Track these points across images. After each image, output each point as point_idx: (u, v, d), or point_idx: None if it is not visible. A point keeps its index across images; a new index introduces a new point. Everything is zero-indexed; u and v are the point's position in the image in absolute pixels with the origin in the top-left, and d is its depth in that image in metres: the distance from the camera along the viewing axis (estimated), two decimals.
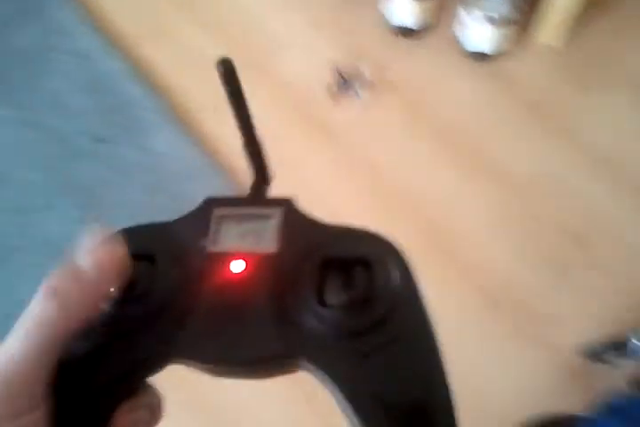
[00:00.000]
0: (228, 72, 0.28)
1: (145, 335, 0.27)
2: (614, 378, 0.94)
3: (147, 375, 0.28)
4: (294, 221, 0.29)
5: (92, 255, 0.25)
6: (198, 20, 1.36)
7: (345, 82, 1.23)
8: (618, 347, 0.90)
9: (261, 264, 0.28)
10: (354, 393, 0.24)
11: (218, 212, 0.30)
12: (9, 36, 1.32)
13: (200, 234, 0.29)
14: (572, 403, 0.93)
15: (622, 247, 1.07)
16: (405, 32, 1.26)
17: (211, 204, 0.30)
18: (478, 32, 1.17)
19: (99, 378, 0.26)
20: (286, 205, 0.30)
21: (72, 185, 1.15)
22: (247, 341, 0.26)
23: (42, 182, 1.15)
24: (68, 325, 0.24)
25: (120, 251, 0.26)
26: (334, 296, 0.26)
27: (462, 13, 1.18)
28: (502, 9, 1.12)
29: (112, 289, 0.26)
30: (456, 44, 1.25)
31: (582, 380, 0.97)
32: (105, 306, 0.27)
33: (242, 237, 0.29)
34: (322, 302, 0.26)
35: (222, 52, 1.28)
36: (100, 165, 1.17)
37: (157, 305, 0.27)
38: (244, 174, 0.33)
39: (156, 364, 0.27)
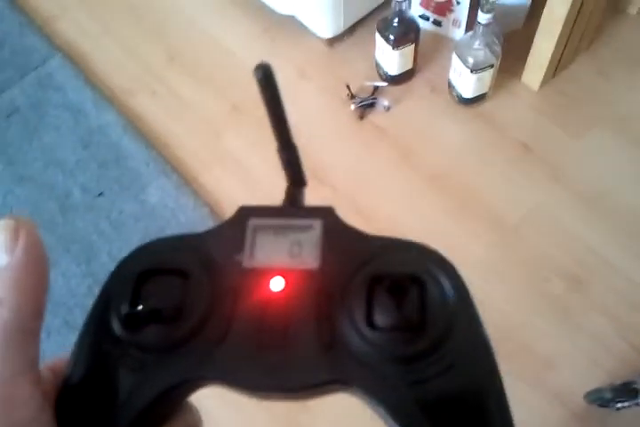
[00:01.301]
0: (266, 77, 0.25)
1: (178, 357, 0.25)
2: (623, 425, 0.94)
3: (180, 399, 0.27)
4: (335, 232, 0.27)
5: (10, 252, 0.24)
6: (188, 72, 1.38)
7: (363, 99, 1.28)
8: (628, 392, 0.90)
9: (303, 281, 0.26)
10: (408, 421, 0.23)
11: (253, 222, 0.27)
12: (4, 93, 1.34)
13: (234, 247, 0.27)
14: None
15: (619, 287, 1.08)
16: (390, 79, 1.29)
17: (245, 213, 0.28)
18: (460, 77, 1.20)
19: (129, 406, 0.24)
20: (326, 214, 0.27)
21: (71, 240, 1.16)
22: (291, 366, 0.24)
23: (43, 239, 1.15)
24: (26, 325, 0.23)
25: (30, 232, 0.24)
26: (383, 317, 0.24)
27: (442, 60, 1.21)
28: (479, 54, 1.16)
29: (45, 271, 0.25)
30: (439, 89, 1.29)
31: (590, 425, 0.98)
32: (46, 289, 0.25)
33: (280, 251, 0.27)
34: (371, 324, 0.24)
35: (216, 103, 1.30)
36: (98, 218, 1.18)
37: (192, 324, 0.25)
38: None
39: (191, 387, 0.26)
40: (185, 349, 0.25)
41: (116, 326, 0.25)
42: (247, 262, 0.26)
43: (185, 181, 1.22)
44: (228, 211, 1.28)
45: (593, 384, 0.98)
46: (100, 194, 1.21)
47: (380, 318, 0.24)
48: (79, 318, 1.06)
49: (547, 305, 1.08)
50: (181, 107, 1.34)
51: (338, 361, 0.24)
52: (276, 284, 0.26)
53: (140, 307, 0.25)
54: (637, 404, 0.89)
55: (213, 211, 1.19)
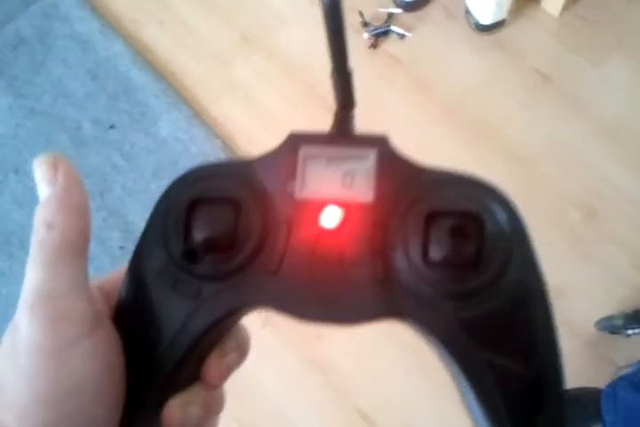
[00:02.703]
0: (333, 3, 0.23)
1: (234, 285, 0.25)
2: (633, 350, 0.96)
3: (234, 323, 0.28)
4: (390, 163, 0.26)
5: (52, 182, 0.26)
6: (197, 1, 1.34)
7: (377, 27, 1.24)
8: (638, 319, 0.91)
9: (357, 214, 0.25)
10: (462, 357, 0.23)
11: (304, 151, 0.26)
12: (9, 24, 1.31)
13: (286, 176, 0.26)
14: (591, 375, 0.95)
15: (634, 218, 1.07)
16: (404, 5, 1.24)
17: (296, 141, 0.27)
18: (478, 2, 1.16)
19: (187, 331, 0.25)
20: (380, 144, 0.26)
21: (84, 173, 1.15)
22: (346, 298, 0.24)
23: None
24: (76, 245, 0.25)
25: (67, 165, 0.26)
26: (439, 253, 0.24)
27: None
28: None
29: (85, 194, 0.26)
30: (456, 15, 1.24)
31: (601, 352, 0.99)
32: (88, 212, 0.26)
33: (333, 182, 0.26)
34: (426, 260, 0.24)
35: (225, 32, 1.26)
36: (110, 151, 1.17)
37: (246, 253, 0.25)
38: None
39: (244, 312, 0.26)
40: (240, 277, 0.25)
41: (171, 256, 0.26)
42: (299, 193, 0.26)
43: (195, 113, 1.20)
44: (241, 142, 1.28)
45: (604, 313, 0.99)
46: (112, 126, 1.20)
47: (436, 254, 0.24)
48: (94, 249, 1.08)
49: (561, 235, 1.08)
50: (189, 36, 1.30)
51: (392, 294, 0.24)
52: (330, 216, 0.25)
53: (195, 240, 0.26)
54: None
55: (225, 142, 1.18)
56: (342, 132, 0.27)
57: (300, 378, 1.04)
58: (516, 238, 0.24)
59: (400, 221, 0.25)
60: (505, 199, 0.25)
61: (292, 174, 0.26)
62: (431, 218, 0.24)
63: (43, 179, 0.26)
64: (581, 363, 1.00)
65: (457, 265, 0.24)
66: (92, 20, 1.30)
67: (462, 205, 0.25)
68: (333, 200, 0.26)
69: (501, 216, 0.25)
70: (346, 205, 0.25)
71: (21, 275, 0.24)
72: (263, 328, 1.05)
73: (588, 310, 1.02)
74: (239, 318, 0.27)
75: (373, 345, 1.04)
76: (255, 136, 1.18)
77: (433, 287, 0.24)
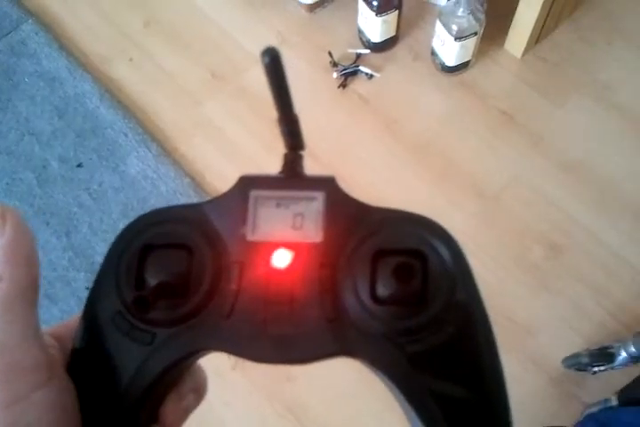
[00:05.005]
0: (273, 62, 0.24)
1: (187, 330, 0.26)
2: (599, 387, 0.97)
3: (189, 366, 0.28)
4: (338, 204, 0.27)
5: (0, 233, 0.25)
6: (166, 39, 1.35)
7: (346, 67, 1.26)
8: (604, 356, 0.92)
9: (306, 255, 0.26)
10: (412, 392, 0.24)
11: (254, 194, 0.27)
12: None
13: (237, 219, 0.27)
14: (557, 412, 0.96)
15: (597, 255, 1.10)
16: (372, 46, 1.27)
17: (246, 184, 0.27)
18: (443, 45, 1.19)
19: (141, 377, 0.25)
20: (328, 185, 0.27)
21: (50, 212, 1.14)
22: (297, 339, 0.25)
23: (21, 211, 1.13)
24: (26, 295, 0.25)
25: (15, 215, 0.26)
26: (386, 291, 0.25)
27: (425, 26, 1.20)
28: (463, 21, 1.14)
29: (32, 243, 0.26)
30: (422, 56, 1.28)
31: (567, 389, 1.01)
32: (37, 259, 0.26)
33: (283, 224, 0.26)
34: (374, 298, 0.25)
35: (195, 70, 1.27)
36: (77, 190, 1.16)
37: (198, 299, 0.26)
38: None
39: (199, 356, 0.27)
40: (193, 322, 0.26)
41: (124, 303, 0.26)
42: (250, 235, 0.26)
43: (165, 151, 1.20)
44: (211, 180, 1.28)
45: (570, 349, 1.01)
46: (79, 165, 1.19)
47: (383, 293, 0.25)
48: (60, 291, 1.06)
49: (526, 273, 1.09)
50: (159, 74, 1.31)
51: (342, 333, 0.25)
52: (280, 258, 0.26)
53: (147, 287, 0.26)
54: (613, 368, 0.92)
55: (195, 181, 1.18)
56: (292, 173, 0.28)
57: (271, 422, 1.03)
58: (459, 274, 0.25)
59: (348, 260, 0.25)
60: (448, 236, 0.26)
61: (243, 217, 0.27)
62: (378, 256, 0.25)
63: None
64: (548, 399, 1.01)
65: (403, 302, 0.24)
66: (59, 57, 1.29)
67: (407, 243, 0.26)
68: (284, 241, 0.26)
69: (444, 253, 0.25)
70: (296, 246, 0.26)
71: None
72: (233, 371, 1.04)
73: (554, 347, 1.03)
74: (194, 360, 0.28)
75: (347, 387, 1.03)
76: (225, 174, 1.18)
77: (381, 324, 0.24)
